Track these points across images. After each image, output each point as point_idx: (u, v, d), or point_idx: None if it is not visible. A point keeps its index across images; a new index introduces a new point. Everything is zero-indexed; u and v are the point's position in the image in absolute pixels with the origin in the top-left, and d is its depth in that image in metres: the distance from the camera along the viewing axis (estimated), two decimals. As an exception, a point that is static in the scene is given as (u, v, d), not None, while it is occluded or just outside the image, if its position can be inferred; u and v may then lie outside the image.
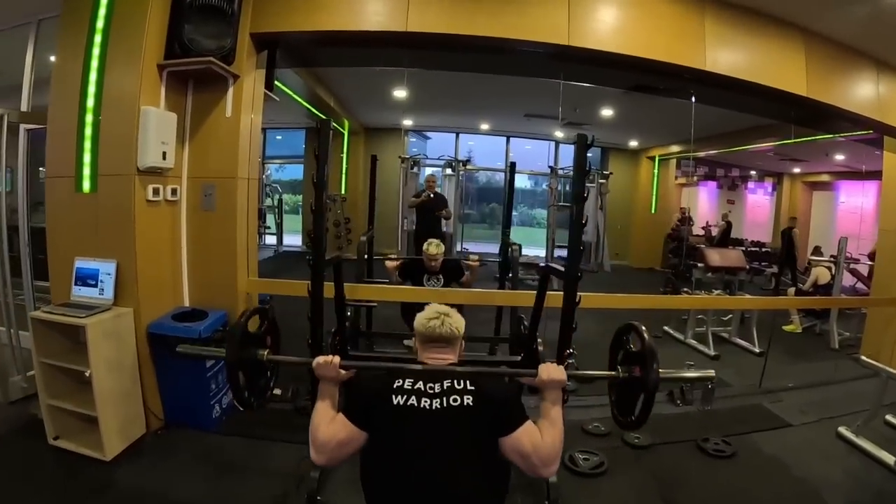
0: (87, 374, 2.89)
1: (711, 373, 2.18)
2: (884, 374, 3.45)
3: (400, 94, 6.13)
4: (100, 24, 3.07)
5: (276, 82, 4.07)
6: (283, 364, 2.12)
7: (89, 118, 3.10)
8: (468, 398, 1.61)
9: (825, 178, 8.87)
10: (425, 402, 1.61)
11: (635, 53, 3.74)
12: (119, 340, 3.08)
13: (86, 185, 3.14)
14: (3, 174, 3.62)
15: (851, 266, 6.65)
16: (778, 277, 7.59)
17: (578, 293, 2.60)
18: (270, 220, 10.05)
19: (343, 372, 1.80)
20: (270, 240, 10.02)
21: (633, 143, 9.59)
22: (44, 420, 3.07)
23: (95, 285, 3.14)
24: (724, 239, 8.73)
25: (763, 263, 8.60)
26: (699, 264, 6.42)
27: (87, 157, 3.12)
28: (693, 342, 5.69)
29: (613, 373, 2.05)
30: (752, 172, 9.57)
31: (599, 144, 9.53)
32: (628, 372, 1.98)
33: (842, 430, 3.64)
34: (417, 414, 1.60)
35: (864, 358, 3.76)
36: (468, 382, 1.66)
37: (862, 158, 6.38)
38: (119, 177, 3.10)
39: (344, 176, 8.55)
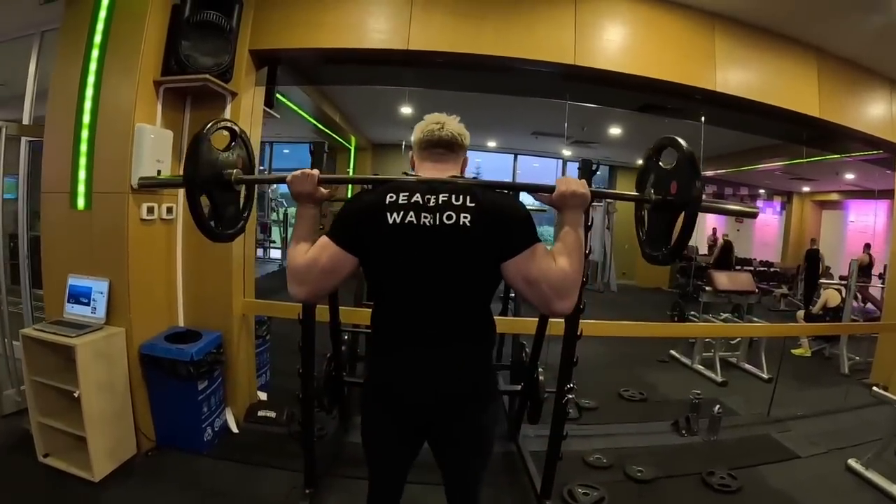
0: (76, 395, 2.82)
1: (756, 209, 1.85)
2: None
3: (406, 110, 6.11)
4: (97, 38, 3.03)
5: (281, 98, 4.05)
6: (254, 182, 1.85)
7: (85, 134, 3.06)
8: (465, 217, 1.39)
9: (835, 197, 8.77)
10: (426, 218, 1.40)
11: (643, 73, 3.69)
12: (110, 361, 3.02)
13: (80, 203, 3.09)
14: (1, 184, 3.58)
15: (862, 287, 6.52)
16: (808, 297, 7.43)
17: (580, 325, 2.53)
18: (276, 233, 10.06)
19: (323, 190, 1.56)
20: (275, 254, 10.03)
21: (641, 162, 9.52)
22: (34, 437, 3.01)
23: (88, 304, 3.09)
24: (725, 258, 8.63)
25: (772, 283, 8.49)
26: (707, 287, 6.31)
27: (82, 174, 3.08)
28: (700, 368, 5.57)
29: (642, 195, 1.69)
30: (761, 191, 9.48)
31: (607, 163, 9.45)
32: (662, 194, 1.59)
33: (852, 462, 3.51)
34: (417, 233, 1.40)
35: (875, 389, 3.65)
36: (468, 198, 1.42)
37: (873, 178, 6.28)
38: (113, 194, 3.05)
39: (349, 192, 8.52)
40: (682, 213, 1.51)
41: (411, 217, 1.40)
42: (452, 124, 1.63)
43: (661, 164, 1.66)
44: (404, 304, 1.51)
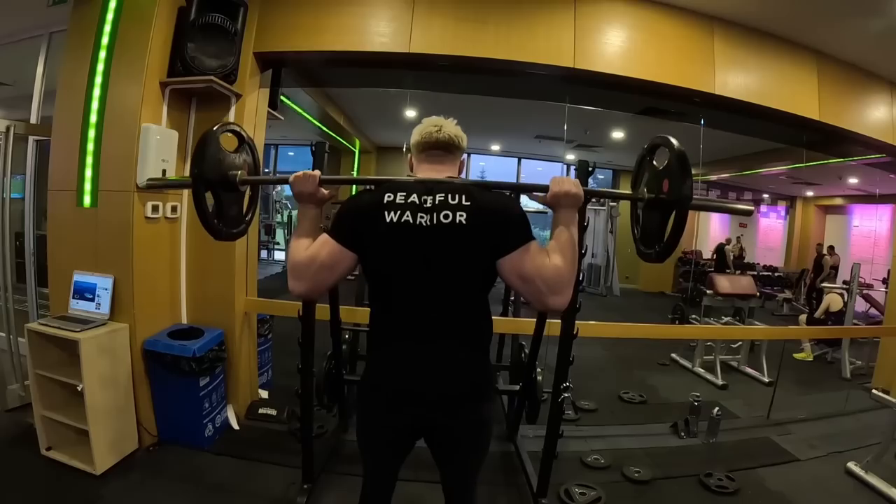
0: (79, 388, 2.87)
1: (751, 207, 1.91)
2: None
3: (411, 113, 6.14)
4: (105, 40, 3.09)
5: (285, 100, 4.09)
6: (258, 183, 1.93)
7: (92, 133, 3.11)
8: (461, 215, 1.44)
9: (838, 201, 8.75)
10: (422, 217, 1.44)
11: (642, 76, 3.71)
12: (113, 356, 3.06)
13: (86, 200, 3.15)
14: (8, 183, 3.64)
15: (864, 292, 6.50)
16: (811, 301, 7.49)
17: (577, 323, 2.55)
18: (280, 235, 10.13)
19: (324, 190, 1.63)
20: (279, 255, 10.09)
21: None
22: (37, 430, 3.06)
23: (93, 299, 3.13)
24: (721, 262, 8.63)
25: (776, 288, 8.47)
26: (708, 291, 6.31)
27: (88, 172, 3.13)
28: (701, 371, 5.57)
29: (636, 193, 1.74)
30: (765, 196, 9.47)
31: (610, 167, 9.50)
32: (655, 192, 1.65)
33: (851, 465, 3.51)
34: (413, 232, 1.44)
35: (875, 391, 3.64)
36: (464, 197, 1.46)
37: (876, 182, 6.28)
38: (119, 192, 3.10)
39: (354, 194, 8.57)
40: (674, 212, 1.56)
41: (408, 216, 1.44)
42: (450, 127, 1.66)
43: (654, 163, 1.70)
44: (401, 301, 1.53)
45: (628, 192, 1.77)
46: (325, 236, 1.50)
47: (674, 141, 1.58)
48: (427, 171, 1.63)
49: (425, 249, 1.45)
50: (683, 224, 1.53)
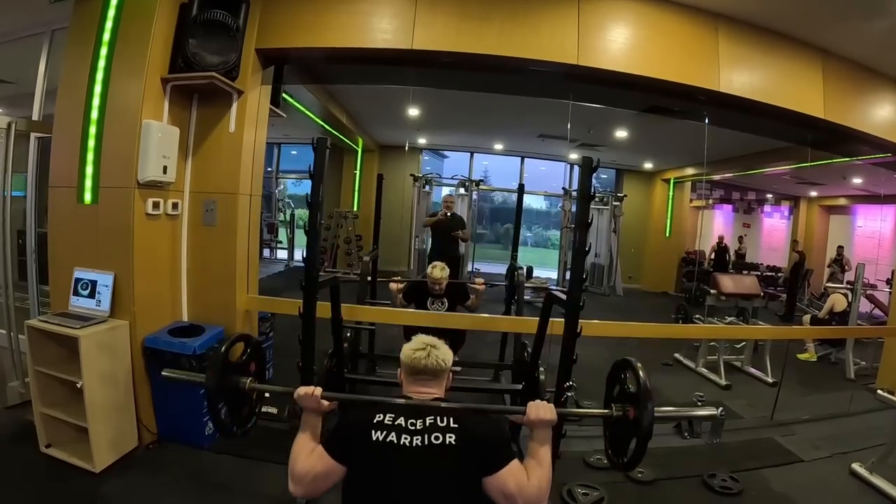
0: (78, 385, 2.86)
1: (715, 411, 2.09)
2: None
3: (413, 112, 6.13)
4: (106, 36, 3.09)
5: (288, 98, 4.08)
6: (265, 392, 2.09)
7: (93, 130, 3.10)
8: (451, 437, 1.57)
9: (842, 201, 8.71)
10: (405, 438, 1.56)
11: (646, 74, 3.69)
12: (113, 353, 3.05)
13: (87, 197, 3.14)
14: (9, 180, 3.63)
15: (868, 292, 6.47)
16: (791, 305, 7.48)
17: (580, 322, 2.52)
18: (283, 234, 10.12)
19: (325, 403, 1.77)
20: (282, 254, 10.09)
21: (648, 165, 9.52)
22: (36, 428, 3.05)
23: (93, 296, 3.13)
24: (721, 262, 8.60)
25: (779, 288, 8.44)
26: (712, 290, 6.28)
27: (89, 169, 3.12)
28: (704, 371, 5.54)
29: (607, 411, 1.94)
30: (769, 196, 9.43)
31: (614, 166, 9.49)
32: (623, 411, 1.87)
33: (855, 466, 3.48)
34: (396, 451, 1.55)
35: (880, 392, 3.62)
36: (451, 420, 1.61)
37: (880, 182, 6.25)
38: (119, 189, 3.10)
39: (357, 193, 8.60)
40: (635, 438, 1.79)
41: (392, 437, 1.56)
42: (437, 352, 1.80)
43: (627, 383, 1.95)
44: None
45: (600, 409, 1.97)
46: (320, 449, 1.62)
47: (640, 371, 1.85)
48: (415, 393, 1.77)
49: (409, 468, 1.54)
50: (644, 447, 1.77)
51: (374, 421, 1.60)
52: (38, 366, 3.01)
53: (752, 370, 5.63)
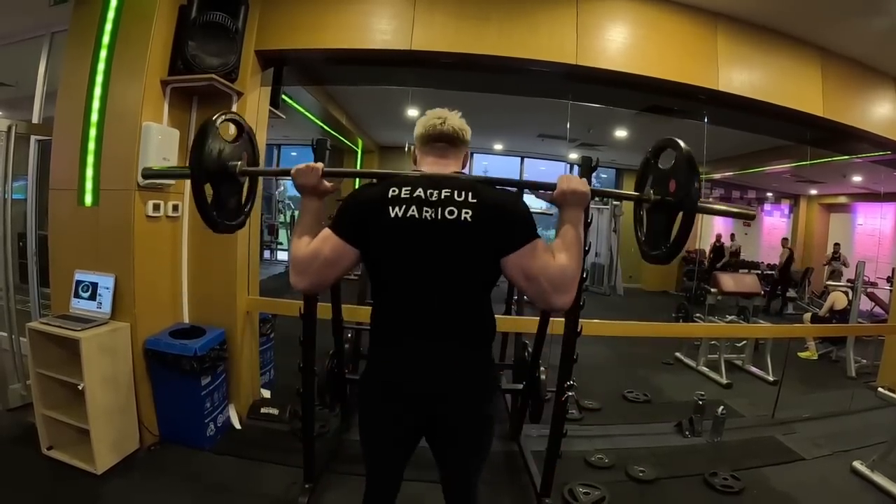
0: (80, 387, 2.86)
1: (753, 211, 1.85)
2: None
3: (413, 112, 6.12)
4: (106, 39, 3.09)
5: (288, 100, 4.07)
6: (258, 175, 1.88)
7: (93, 132, 3.10)
8: (467, 213, 1.41)
9: (842, 199, 8.70)
10: (427, 212, 1.42)
11: (645, 73, 3.69)
12: (115, 355, 3.06)
13: (87, 199, 3.14)
14: (9, 183, 3.64)
15: (869, 290, 6.47)
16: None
17: (580, 321, 2.53)
18: (283, 235, 10.12)
19: (327, 183, 1.60)
20: (282, 255, 10.08)
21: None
22: (38, 430, 3.05)
23: (94, 298, 3.13)
24: (717, 261, 8.60)
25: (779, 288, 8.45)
26: (712, 289, 6.29)
27: (89, 171, 3.12)
28: (705, 370, 5.54)
29: (641, 194, 1.73)
30: (769, 194, 9.42)
31: (614, 165, 9.47)
32: (661, 192, 1.63)
33: (857, 464, 3.48)
34: (418, 226, 1.41)
35: (881, 390, 3.63)
36: (470, 194, 1.43)
37: (880, 180, 6.23)
38: (120, 191, 3.10)
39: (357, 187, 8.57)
40: (681, 213, 1.54)
41: (413, 211, 1.42)
42: (454, 119, 1.64)
43: (659, 165, 1.69)
44: (404, 297, 1.51)
45: (634, 192, 1.75)
46: (327, 231, 1.47)
47: (680, 142, 1.57)
48: (432, 165, 1.60)
49: (429, 245, 1.43)
50: (691, 225, 1.51)
51: (390, 195, 1.44)
52: (40, 368, 3.01)
53: (753, 369, 5.64)
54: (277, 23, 3.56)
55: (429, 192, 1.44)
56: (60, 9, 3.50)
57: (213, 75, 3.19)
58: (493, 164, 10.49)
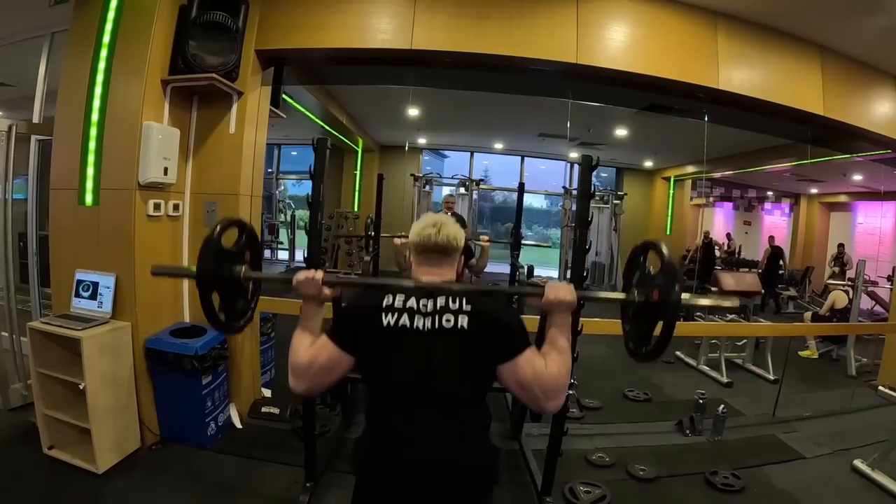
0: (81, 387, 2.86)
1: (735, 301, 1.91)
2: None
3: (413, 112, 6.13)
4: (106, 38, 3.10)
5: (288, 99, 4.08)
6: (262, 280, 1.88)
7: (93, 132, 3.11)
8: (463, 319, 1.46)
9: (843, 198, 8.71)
10: (419, 321, 1.47)
11: (645, 72, 3.70)
12: (116, 354, 3.06)
13: (88, 199, 3.15)
14: (10, 183, 3.64)
15: (869, 289, 6.47)
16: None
17: (581, 320, 2.53)
18: (283, 235, 10.12)
19: (327, 290, 1.60)
20: (283, 255, 10.08)
21: (648, 164, 9.51)
22: (39, 429, 3.05)
23: (95, 298, 3.13)
24: (709, 258, 8.59)
25: (780, 286, 8.44)
26: (713, 288, 6.28)
27: (90, 171, 3.13)
28: (705, 368, 5.55)
29: (627, 296, 1.74)
30: (769, 193, 9.42)
31: (614, 164, 9.49)
32: (645, 295, 1.66)
33: (857, 463, 3.48)
34: (409, 335, 1.46)
35: (881, 388, 3.62)
36: (464, 301, 1.49)
37: (880, 179, 6.24)
38: (120, 191, 3.10)
39: (357, 194, 8.59)
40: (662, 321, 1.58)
41: (405, 320, 1.47)
42: (448, 227, 1.65)
43: (646, 265, 1.73)
44: (398, 401, 1.52)
45: (621, 295, 1.76)
46: (324, 338, 1.52)
47: (664, 249, 1.62)
48: (426, 274, 1.63)
49: (424, 352, 1.46)
50: (671, 332, 1.55)
51: (384, 304, 1.49)
52: (41, 368, 3.01)
53: (754, 367, 5.64)
54: (278, 22, 3.57)
55: (421, 302, 1.50)
56: (61, 9, 3.51)
57: (214, 75, 3.19)
58: (493, 163, 10.51)
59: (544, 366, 1.46)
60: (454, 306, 1.48)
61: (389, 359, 1.48)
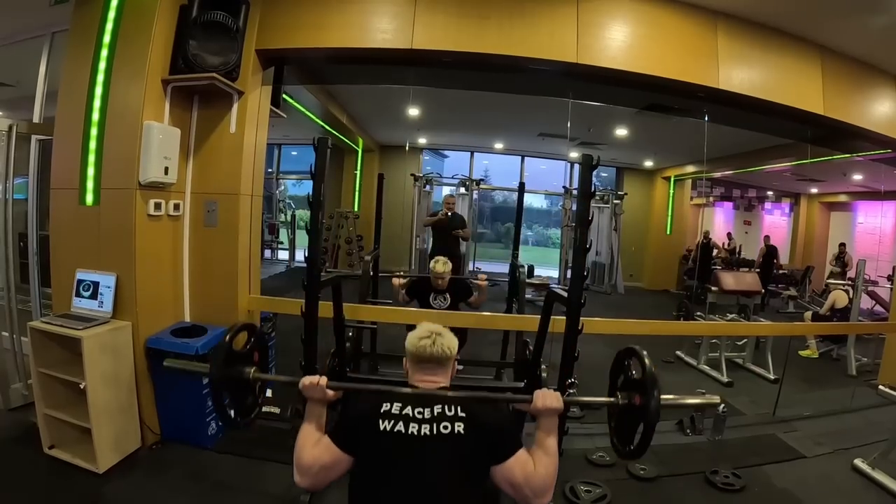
0: (81, 387, 2.87)
1: (717, 399, 2.06)
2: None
3: (413, 111, 6.13)
4: (106, 38, 3.10)
5: (289, 99, 4.08)
6: (269, 382, 2.06)
7: (94, 132, 3.11)
8: (459, 426, 1.57)
9: (843, 198, 8.72)
10: (413, 427, 1.56)
11: (645, 71, 3.69)
12: (116, 354, 3.06)
13: (89, 198, 3.15)
14: (10, 183, 3.64)
15: (870, 289, 6.47)
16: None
17: (582, 319, 2.53)
18: (283, 235, 10.14)
19: (330, 393, 1.75)
20: (283, 255, 10.10)
21: (649, 163, 9.52)
22: (39, 429, 3.05)
23: (95, 297, 3.13)
24: (706, 257, 8.59)
25: (780, 286, 8.44)
26: (713, 288, 6.29)
27: (90, 171, 3.13)
28: (706, 368, 5.55)
29: (612, 399, 1.90)
30: (769, 193, 9.43)
31: (614, 164, 9.50)
32: (628, 399, 1.84)
33: (858, 462, 3.49)
34: (404, 441, 1.55)
35: (882, 387, 3.62)
36: (459, 409, 1.61)
37: (880, 178, 6.25)
38: (121, 190, 3.10)
39: (357, 193, 8.60)
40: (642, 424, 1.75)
41: (400, 427, 1.57)
42: (443, 337, 1.78)
43: (631, 370, 1.90)
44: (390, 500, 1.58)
45: (607, 399, 1.91)
46: (326, 440, 1.63)
47: (646, 358, 1.80)
48: (420, 382, 1.76)
49: (418, 457, 1.55)
50: (651, 434, 1.72)
51: (382, 410, 1.60)
52: (41, 367, 3.01)
53: (754, 367, 5.64)
54: (278, 22, 3.57)
55: (417, 410, 1.60)
56: (61, 8, 3.51)
57: (214, 74, 3.19)
58: (493, 163, 10.52)
59: (533, 467, 1.57)
60: (450, 413, 1.60)
61: (384, 463, 1.57)
